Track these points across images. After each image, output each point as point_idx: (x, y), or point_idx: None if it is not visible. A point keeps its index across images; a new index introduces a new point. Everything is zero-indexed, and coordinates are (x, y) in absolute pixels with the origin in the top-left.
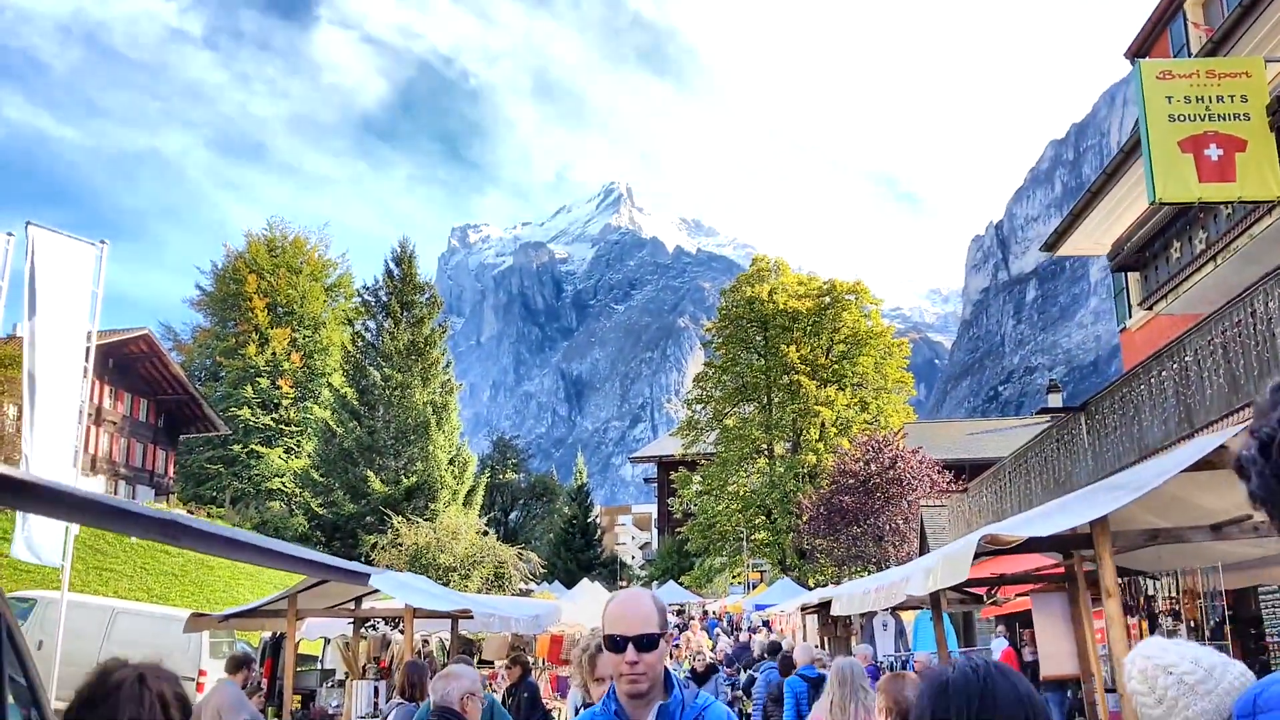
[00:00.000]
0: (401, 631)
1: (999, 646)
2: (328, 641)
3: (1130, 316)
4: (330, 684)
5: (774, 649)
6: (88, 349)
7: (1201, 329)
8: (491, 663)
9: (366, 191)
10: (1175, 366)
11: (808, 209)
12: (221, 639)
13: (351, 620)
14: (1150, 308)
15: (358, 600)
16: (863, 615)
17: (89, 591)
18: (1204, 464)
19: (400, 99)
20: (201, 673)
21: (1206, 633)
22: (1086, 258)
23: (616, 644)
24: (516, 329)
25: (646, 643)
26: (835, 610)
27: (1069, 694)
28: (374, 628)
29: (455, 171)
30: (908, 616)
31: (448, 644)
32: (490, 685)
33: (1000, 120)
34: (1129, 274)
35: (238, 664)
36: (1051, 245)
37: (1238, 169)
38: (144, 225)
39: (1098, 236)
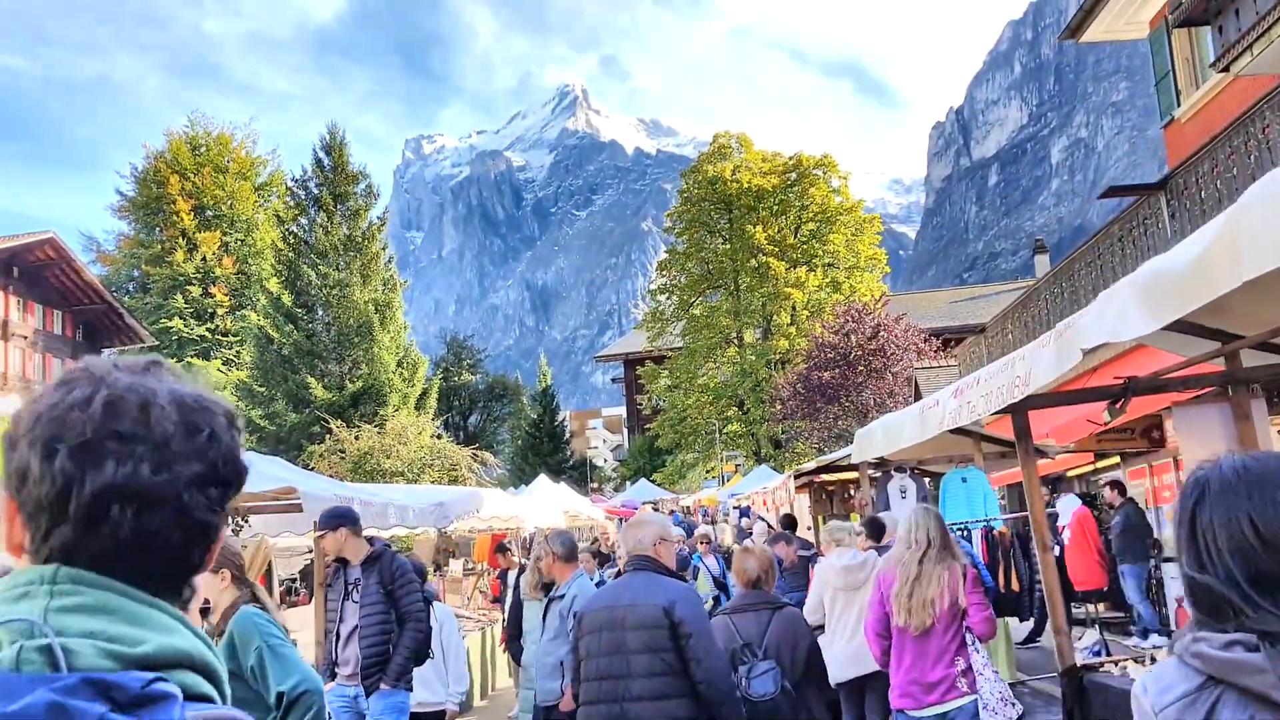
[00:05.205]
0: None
1: (1068, 506)
2: None
3: (1179, 105)
4: None
5: (789, 523)
6: None
7: None
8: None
9: (326, 109)
10: None
11: (770, 106)
12: None
13: None
14: (1227, 68)
15: None
16: (873, 482)
17: None
18: None
19: (357, 9)
20: None
21: None
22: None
23: None
24: (478, 241)
25: None
26: (881, 451)
27: None
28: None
29: (415, 84)
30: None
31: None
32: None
33: (957, 3)
34: (1189, 33)
35: None
36: (1075, 29)
37: None
38: (100, 155)
39: (1132, 13)
